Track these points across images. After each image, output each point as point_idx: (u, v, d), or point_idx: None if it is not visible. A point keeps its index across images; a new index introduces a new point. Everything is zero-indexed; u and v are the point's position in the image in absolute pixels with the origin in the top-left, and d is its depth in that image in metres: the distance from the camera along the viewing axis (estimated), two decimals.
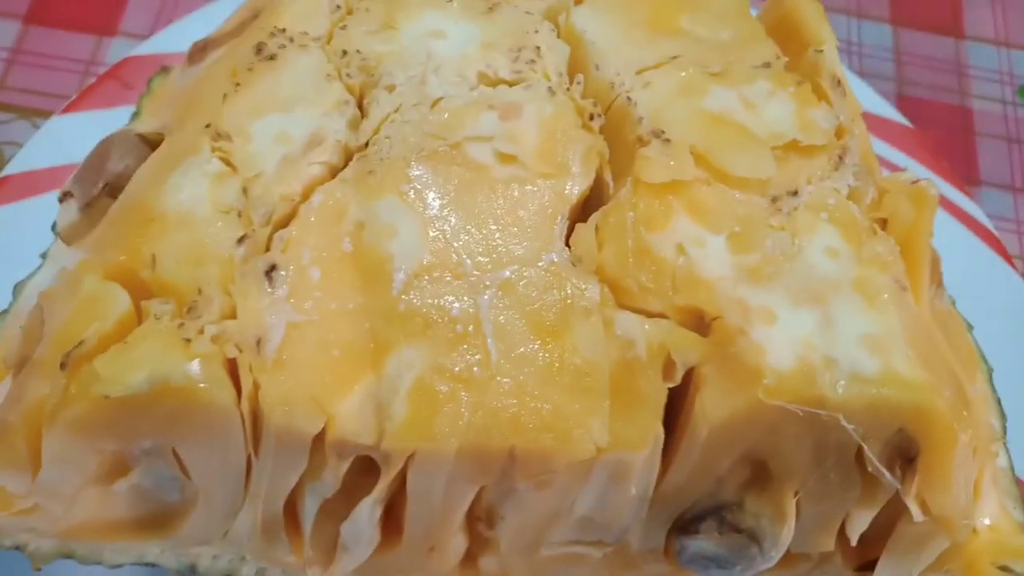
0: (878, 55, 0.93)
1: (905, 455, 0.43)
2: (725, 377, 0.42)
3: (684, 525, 0.50)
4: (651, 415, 0.43)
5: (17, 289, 0.52)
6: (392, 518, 0.51)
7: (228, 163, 0.46)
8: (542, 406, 0.43)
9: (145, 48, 0.76)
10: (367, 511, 0.47)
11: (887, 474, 0.43)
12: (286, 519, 0.49)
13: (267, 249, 0.44)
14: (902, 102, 0.92)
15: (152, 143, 0.52)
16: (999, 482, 0.51)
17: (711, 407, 0.42)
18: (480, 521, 0.52)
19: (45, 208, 0.58)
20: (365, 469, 0.46)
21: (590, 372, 0.44)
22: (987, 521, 0.50)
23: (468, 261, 0.46)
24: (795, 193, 0.49)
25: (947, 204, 0.77)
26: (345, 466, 0.44)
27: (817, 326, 0.43)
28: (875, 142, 0.58)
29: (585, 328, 0.45)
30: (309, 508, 0.48)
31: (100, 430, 0.41)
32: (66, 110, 0.72)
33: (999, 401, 0.54)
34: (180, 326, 0.40)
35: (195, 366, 0.40)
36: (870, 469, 0.44)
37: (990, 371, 0.55)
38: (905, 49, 0.95)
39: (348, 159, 0.48)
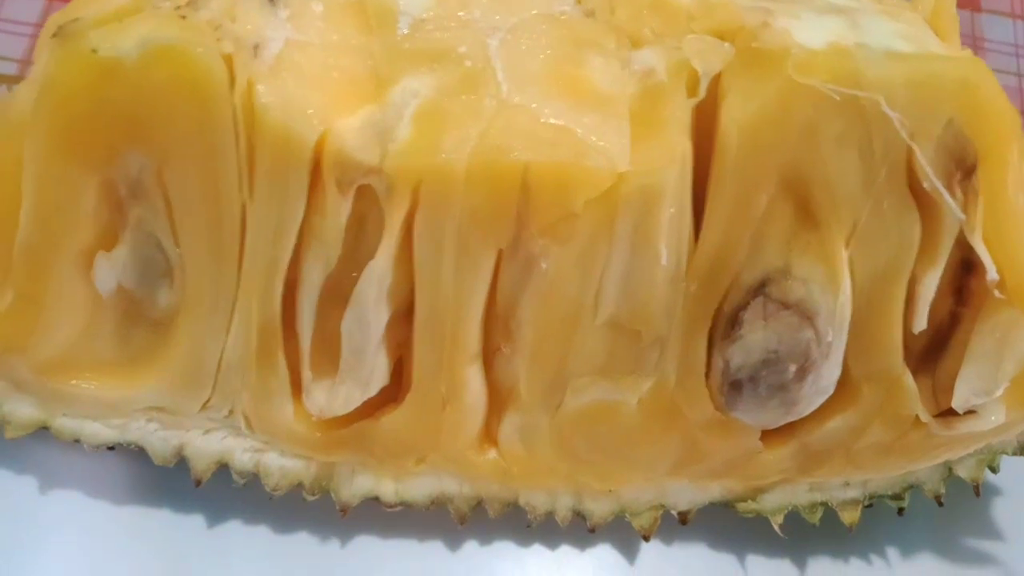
0: None
1: (961, 163, 0.39)
2: (751, 69, 0.39)
3: (725, 327, 0.45)
4: (676, 132, 0.40)
5: None
6: (399, 375, 0.48)
7: None
8: (556, 124, 0.40)
9: None
10: (374, 286, 0.43)
11: (945, 193, 0.39)
12: (284, 333, 0.45)
13: None
14: None
15: None
16: None
17: (738, 106, 0.39)
18: (498, 351, 0.47)
19: None
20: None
21: (608, 101, 0.41)
22: None
23: (476, 12, 0.44)
24: None
25: None
26: (347, 208, 0.41)
27: (845, 26, 0.40)
28: None
29: (602, 62, 0.42)
30: (309, 292, 0.44)
31: (86, 115, 0.38)
32: None
33: None
34: (177, 10, 0.38)
35: (189, 33, 0.37)
36: (926, 186, 0.39)
37: None
38: None
39: None
